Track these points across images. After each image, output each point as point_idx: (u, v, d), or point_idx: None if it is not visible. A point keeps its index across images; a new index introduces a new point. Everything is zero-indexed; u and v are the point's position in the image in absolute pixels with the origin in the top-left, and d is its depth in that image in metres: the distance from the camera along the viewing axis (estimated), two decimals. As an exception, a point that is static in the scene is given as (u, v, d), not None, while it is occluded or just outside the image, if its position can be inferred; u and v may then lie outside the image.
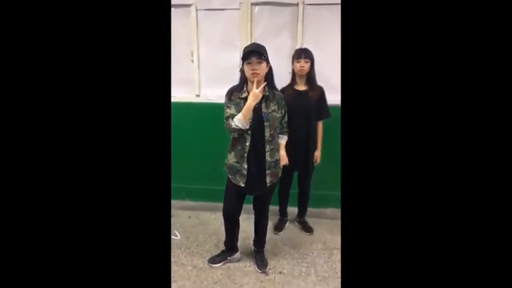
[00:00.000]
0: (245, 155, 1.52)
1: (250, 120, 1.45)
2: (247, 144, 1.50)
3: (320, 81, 2.17)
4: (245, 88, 1.50)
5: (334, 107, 1.91)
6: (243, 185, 1.56)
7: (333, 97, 2.10)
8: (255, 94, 1.41)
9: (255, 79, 1.42)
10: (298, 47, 2.15)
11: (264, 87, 1.46)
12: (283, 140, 1.68)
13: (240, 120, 1.43)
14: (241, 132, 1.48)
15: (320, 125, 1.97)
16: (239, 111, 1.46)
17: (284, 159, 1.67)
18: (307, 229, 2.18)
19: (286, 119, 1.64)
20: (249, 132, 1.48)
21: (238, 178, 1.56)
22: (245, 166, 1.53)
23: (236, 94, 1.51)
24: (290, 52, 2.18)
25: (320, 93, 1.92)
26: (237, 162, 1.55)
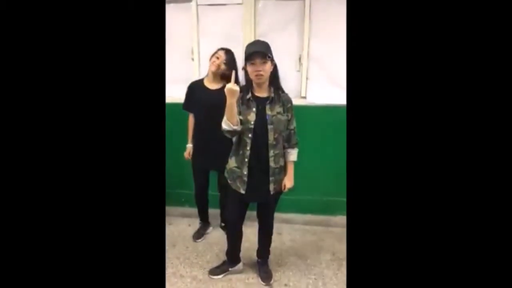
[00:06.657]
0: (246, 160, 1.51)
1: (238, 121, 1.42)
2: (248, 148, 1.49)
3: (327, 79, 2.18)
4: (250, 90, 1.50)
5: (341, 107, 1.91)
6: (243, 192, 1.55)
7: (341, 96, 2.11)
8: (230, 90, 1.32)
9: (260, 81, 1.43)
10: (305, 43, 2.16)
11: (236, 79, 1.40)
12: (292, 156, 1.60)
13: (225, 121, 1.42)
14: (233, 134, 1.47)
15: None
16: (239, 113, 1.45)
17: (290, 181, 1.61)
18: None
19: (294, 125, 1.58)
20: (249, 135, 1.48)
21: (238, 184, 1.56)
22: (245, 172, 1.52)
23: (243, 95, 1.50)
24: (296, 49, 2.20)
25: None
26: (237, 167, 1.55)
